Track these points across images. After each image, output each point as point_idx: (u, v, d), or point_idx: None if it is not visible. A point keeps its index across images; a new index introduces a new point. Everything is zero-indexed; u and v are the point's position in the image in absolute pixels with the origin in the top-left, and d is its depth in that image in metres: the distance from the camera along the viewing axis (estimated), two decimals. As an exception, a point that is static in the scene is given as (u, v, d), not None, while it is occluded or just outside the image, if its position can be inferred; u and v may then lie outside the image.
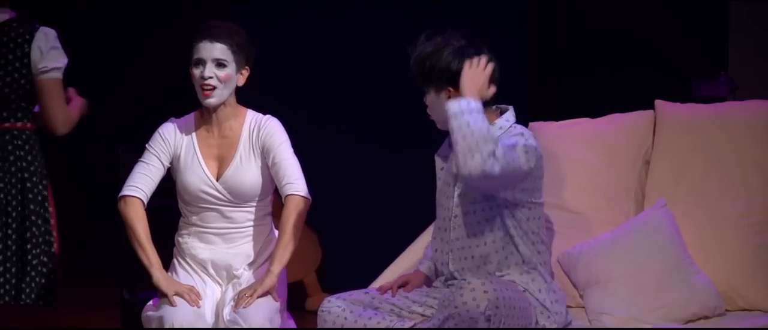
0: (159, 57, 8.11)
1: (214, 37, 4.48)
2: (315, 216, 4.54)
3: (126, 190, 4.55)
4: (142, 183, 4.55)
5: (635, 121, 4.89)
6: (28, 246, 4.73)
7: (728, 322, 4.39)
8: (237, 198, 4.55)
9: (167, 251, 4.66)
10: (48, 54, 4.68)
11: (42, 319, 6.28)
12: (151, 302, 4.53)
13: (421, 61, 4.28)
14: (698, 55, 6.72)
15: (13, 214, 4.73)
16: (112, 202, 4.63)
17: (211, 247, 4.59)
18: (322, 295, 6.68)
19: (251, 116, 4.60)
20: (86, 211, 8.48)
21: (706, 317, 4.43)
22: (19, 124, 4.75)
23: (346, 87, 7.05)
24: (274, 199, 4.66)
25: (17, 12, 4.77)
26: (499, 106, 4.35)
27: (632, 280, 4.46)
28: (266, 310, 4.41)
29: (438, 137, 4.42)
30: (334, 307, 4.31)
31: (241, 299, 4.42)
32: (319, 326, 4.32)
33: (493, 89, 4.23)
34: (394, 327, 4.28)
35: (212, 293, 4.55)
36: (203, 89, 4.50)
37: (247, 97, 4.65)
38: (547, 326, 4.21)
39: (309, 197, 4.53)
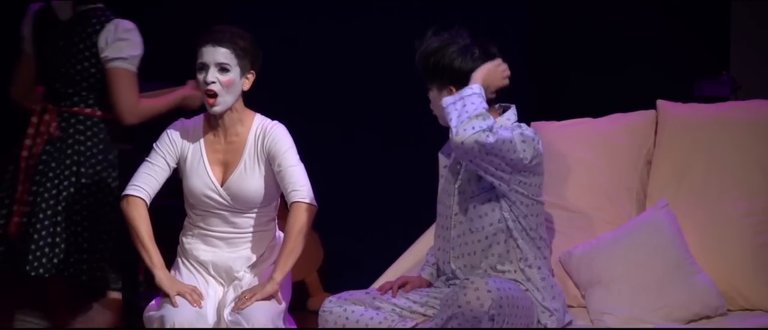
0: (166, 57, 8.10)
1: (217, 41, 4.46)
2: (317, 216, 4.53)
3: (129, 190, 4.54)
4: (146, 183, 4.54)
5: (637, 121, 4.89)
6: (79, 228, 4.91)
7: (730, 322, 4.39)
8: (240, 204, 4.54)
9: (171, 250, 4.66)
10: (113, 45, 4.91)
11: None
12: (153, 302, 4.53)
13: (425, 57, 4.29)
14: (700, 54, 6.71)
15: (64, 193, 4.92)
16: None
17: (213, 250, 4.58)
18: (323, 295, 6.68)
19: (258, 122, 4.56)
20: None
21: (707, 317, 4.43)
22: (87, 110, 4.99)
23: (348, 86, 7.05)
24: (279, 203, 4.66)
25: (104, 1, 5.04)
26: (501, 104, 4.36)
27: (634, 280, 4.45)
28: (269, 311, 4.41)
29: (441, 138, 4.41)
30: (336, 307, 4.31)
31: (241, 301, 4.42)
32: (320, 326, 4.32)
33: (492, 95, 4.25)
34: (396, 327, 4.28)
35: (214, 293, 4.55)
36: (207, 95, 4.47)
37: (250, 96, 4.64)
38: (549, 325, 4.21)
39: (315, 204, 4.50)
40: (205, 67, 4.46)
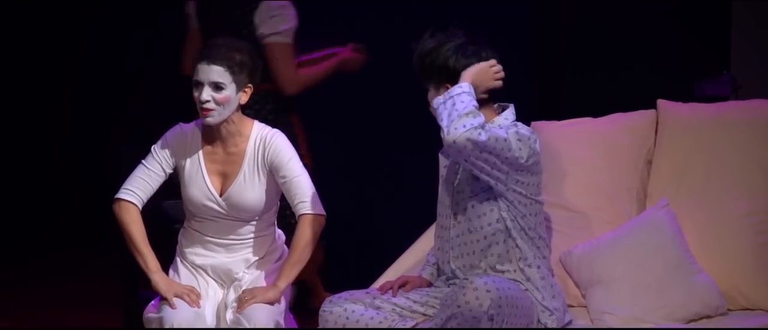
0: (164, 56, 8.10)
1: (212, 59, 4.37)
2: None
3: (121, 194, 4.50)
4: (139, 187, 4.50)
5: (637, 120, 4.88)
6: None
7: (730, 321, 4.39)
8: (239, 214, 4.52)
9: (169, 250, 4.65)
10: (267, 22, 5.39)
11: (42, 319, 6.28)
12: (152, 303, 4.52)
13: (421, 57, 4.31)
14: (700, 54, 6.71)
15: None
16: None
17: (213, 256, 4.56)
18: (323, 295, 6.66)
19: (257, 131, 4.51)
20: (90, 211, 8.47)
21: (708, 317, 4.42)
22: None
23: (348, 87, 7.04)
24: (279, 206, 4.64)
25: None
26: (500, 104, 4.35)
27: (634, 280, 4.45)
28: (271, 311, 4.41)
29: (441, 138, 4.40)
30: (336, 306, 4.31)
31: (241, 301, 4.41)
32: (320, 326, 4.32)
33: (484, 96, 4.24)
34: (396, 327, 4.28)
35: (214, 294, 4.54)
36: (202, 110, 4.41)
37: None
38: (549, 325, 4.21)
39: (323, 214, 4.49)
40: (199, 85, 4.39)
